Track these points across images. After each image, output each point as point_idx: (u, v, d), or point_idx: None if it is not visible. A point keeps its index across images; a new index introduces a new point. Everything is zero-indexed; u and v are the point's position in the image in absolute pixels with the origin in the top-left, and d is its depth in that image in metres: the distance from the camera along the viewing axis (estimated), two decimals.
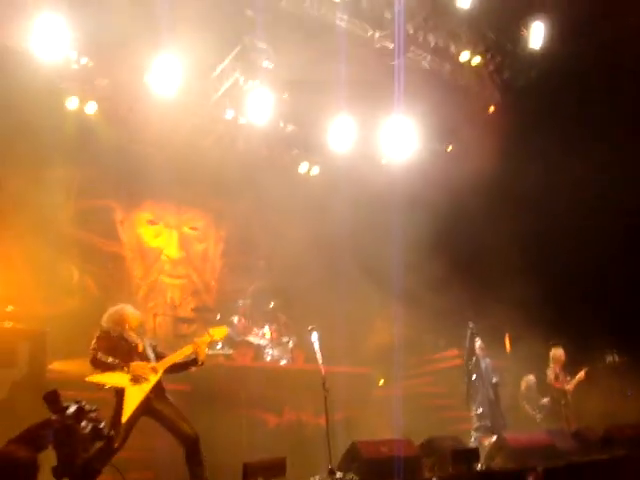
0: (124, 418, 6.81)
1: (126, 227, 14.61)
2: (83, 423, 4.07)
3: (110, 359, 7.08)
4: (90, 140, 13.15)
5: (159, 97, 12.52)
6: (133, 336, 7.60)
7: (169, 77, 11.74)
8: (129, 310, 7.91)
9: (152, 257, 14.86)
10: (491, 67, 13.97)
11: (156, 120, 13.68)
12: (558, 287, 13.65)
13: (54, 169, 13.15)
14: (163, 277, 14.86)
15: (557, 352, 12.18)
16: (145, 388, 7.04)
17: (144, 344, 7.64)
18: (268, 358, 13.05)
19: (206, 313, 13.27)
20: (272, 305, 13.87)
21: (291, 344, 13.28)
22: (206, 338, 7.86)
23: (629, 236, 12.93)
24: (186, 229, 15.51)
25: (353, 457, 7.66)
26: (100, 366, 7.08)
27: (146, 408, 7.09)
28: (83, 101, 12.62)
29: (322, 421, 9.17)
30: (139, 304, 13.96)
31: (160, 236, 15.07)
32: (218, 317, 13.35)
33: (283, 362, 13.11)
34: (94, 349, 7.16)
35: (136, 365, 7.15)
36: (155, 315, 13.32)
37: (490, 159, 13.78)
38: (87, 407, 4.13)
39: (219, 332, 8.16)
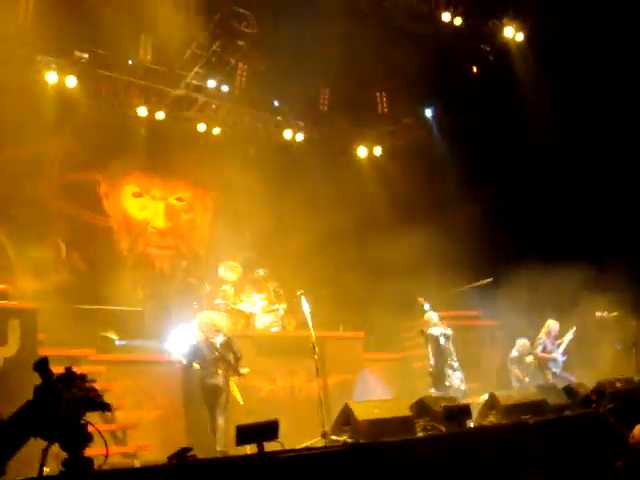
0: None
1: (111, 200, 14.52)
2: (74, 389, 4.06)
3: None
4: (72, 114, 13.03)
5: (140, 69, 12.44)
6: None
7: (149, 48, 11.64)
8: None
9: (138, 229, 14.79)
10: (474, 27, 13.84)
11: (138, 92, 13.60)
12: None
13: (35, 144, 13.04)
14: (150, 249, 14.83)
15: (553, 324, 12.30)
16: None
17: None
18: (259, 326, 13.10)
19: (195, 282, 13.23)
20: (261, 273, 13.86)
21: (281, 311, 13.31)
22: None
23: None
24: (172, 200, 15.41)
25: (346, 419, 7.66)
26: None
27: None
28: (62, 75, 12.45)
29: (315, 386, 9.23)
30: (126, 276, 13.96)
31: (146, 208, 14.99)
32: (208, 288, 13.42)
33: (274, 329, 13.15)
34: None
35: None
36: (144, 288, 13.36)
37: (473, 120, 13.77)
38: (78, 373, 4.12)
39: None
